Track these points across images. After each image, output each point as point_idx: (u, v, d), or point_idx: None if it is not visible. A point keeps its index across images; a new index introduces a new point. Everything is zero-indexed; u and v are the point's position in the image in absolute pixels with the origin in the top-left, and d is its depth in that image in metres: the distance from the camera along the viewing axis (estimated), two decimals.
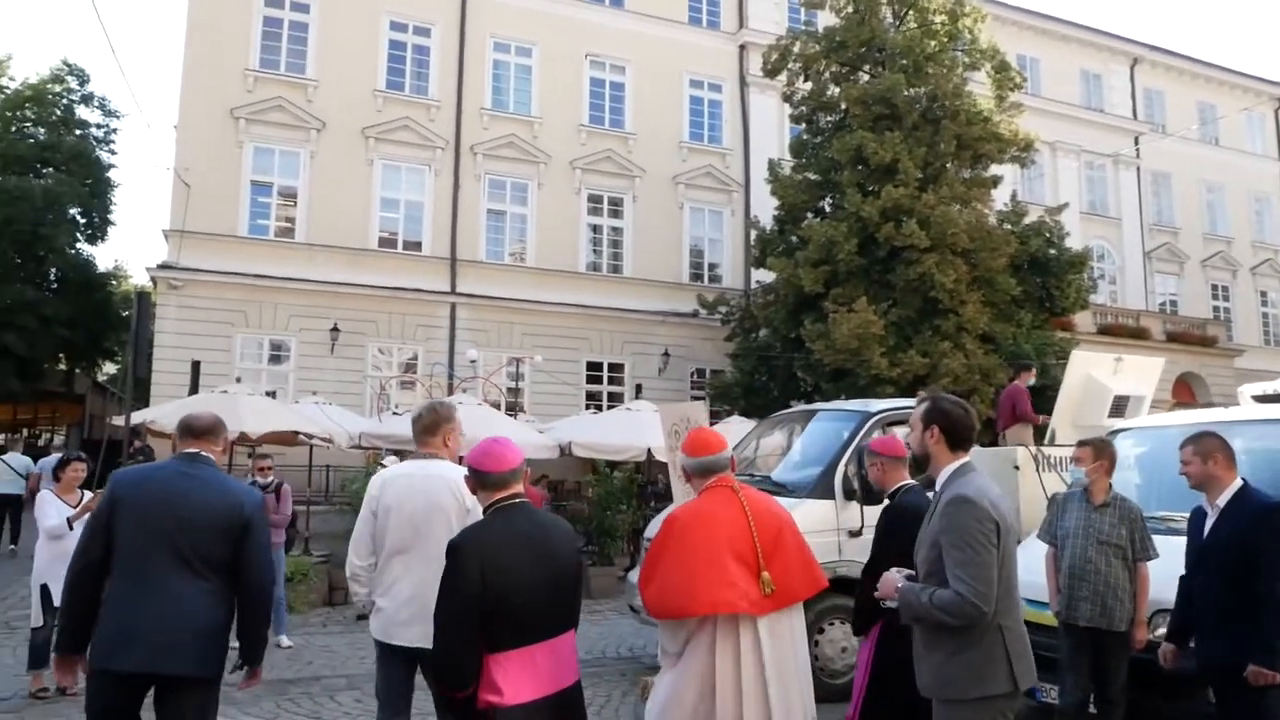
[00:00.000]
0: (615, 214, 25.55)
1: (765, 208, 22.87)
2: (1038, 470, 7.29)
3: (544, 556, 3.00)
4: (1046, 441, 8.40)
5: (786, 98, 22.20)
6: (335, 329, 21.70)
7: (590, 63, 25.59)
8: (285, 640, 8.40)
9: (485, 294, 23.48)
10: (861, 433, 7.07)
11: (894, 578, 3.29)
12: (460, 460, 3.81)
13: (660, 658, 3.52)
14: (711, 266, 26.53)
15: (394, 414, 17.81)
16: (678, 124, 26.35)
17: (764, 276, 22.22)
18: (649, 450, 11.59)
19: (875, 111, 19.11)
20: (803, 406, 10.04)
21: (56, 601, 6.48)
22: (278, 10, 22.90)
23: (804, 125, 22.07)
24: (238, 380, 16.09)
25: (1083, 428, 8.15)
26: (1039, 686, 5.36)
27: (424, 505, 3.83)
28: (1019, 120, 20.88)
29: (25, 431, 37.31)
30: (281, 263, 21.99)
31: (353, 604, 4.37)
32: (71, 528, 6.60)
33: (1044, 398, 13.14)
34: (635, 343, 24.65)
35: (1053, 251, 20.44)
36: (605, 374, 24.62)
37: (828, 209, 20.73)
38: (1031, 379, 9.93)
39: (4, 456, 17.41)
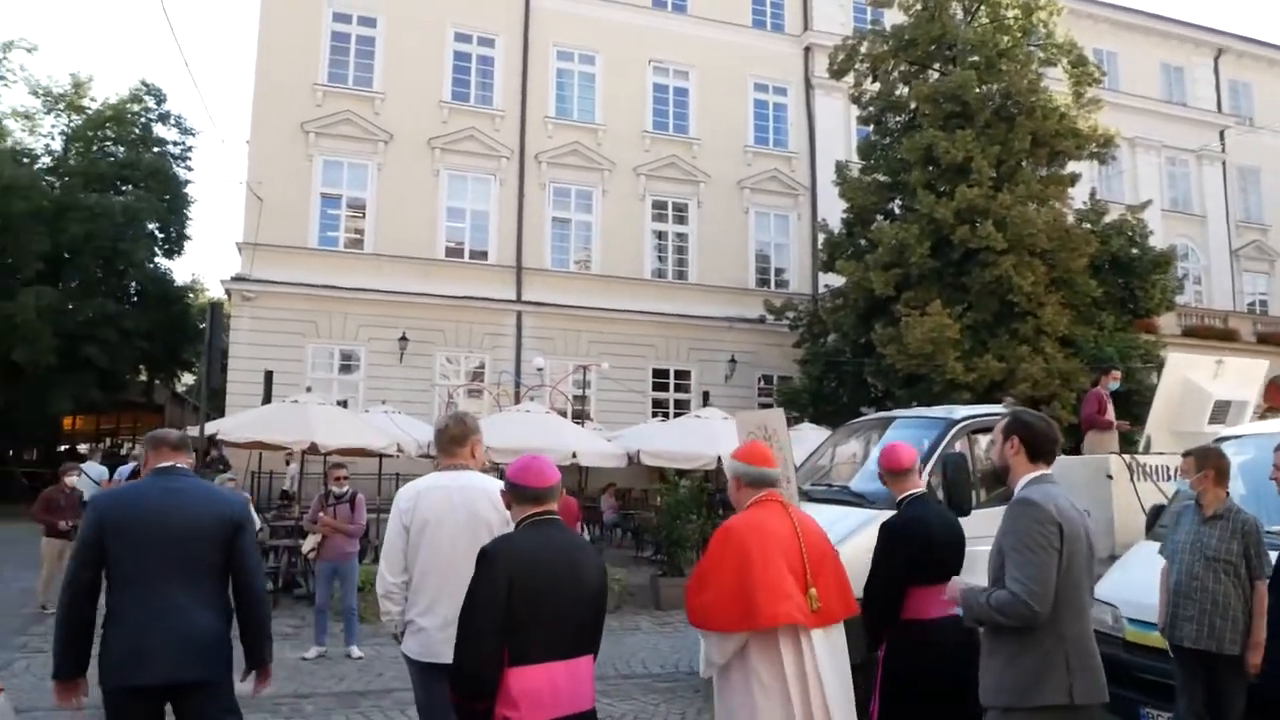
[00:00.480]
0: (680, 220, 25.38)
1: (833, 211, 22.47)
2: (1133, 480, 6.87)
3: (574, 575, 2.99)
4: (1142, 449, 7.94)
5: (854, 99, 21.79)
6: (404, 338, 21.90)
7: (653, 68, 25.50)
8: (356, 651, 8.33)
9: (551, 302, 23.50)
10: (945, 440, 6.75)
11: (958, 582, 3.34)
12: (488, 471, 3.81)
13: (703, 668, 3.50)
14: (778, 271, 26.18)
15: None
16: (742, 128, 26.09)
17: (832, 281, 21.82)
18: (719, 458, 11.35)
19: (946, 110, 18.62)
20: (880, 413, 9.70)
21: None
22: (345, 25, 23.27)
23: (872, 126, 21.64)
24: (308, 390, 16.28)
25: (1181, 434, 7.70)
26: (1147, 711, 5.05)
27: (466, 518, 3.73)
28: (1097, 116, 20.15)
29: (108, 441, 38.57)
30: (351, 273, 22.30)
31: (384, 624, 4.13)
32: None
33: (1130, 403, 12.58)
34: (701, 349, 24.41)
35: (1135, 251, 19.67)
36: (671, 381, 24.43)
37: (898, 211, 20.26)
38: (1115, 382, 9.43)
39: (83, 466, 18.05)
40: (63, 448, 31.65)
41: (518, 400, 19.79)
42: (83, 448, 32.31)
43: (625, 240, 24.48)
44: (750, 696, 3.26)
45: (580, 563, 3.04)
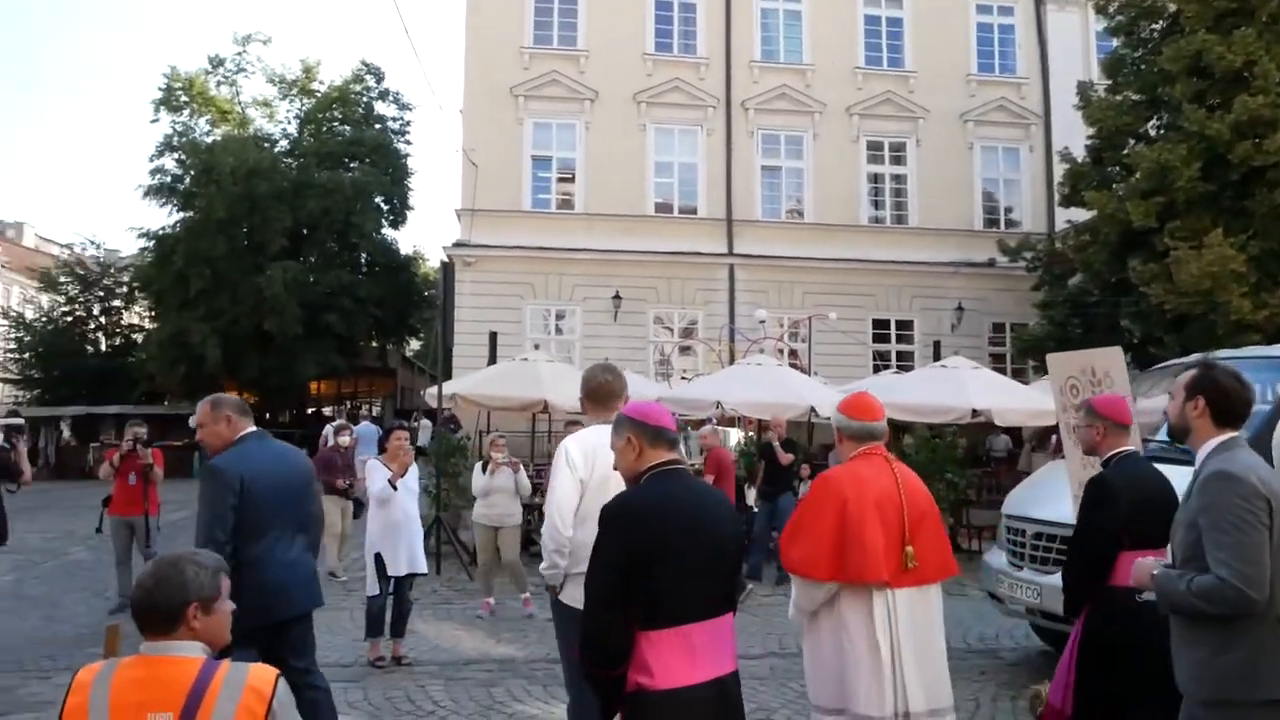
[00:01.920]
0: (897, 160, 23.84)
1: (1071, 138, 20.24)
2: None
3: (705, 528, 2.75)
4: None
5: (1099, 8, 19.43)
6: (617, 296, 21.86)
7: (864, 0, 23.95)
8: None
9: (763, 254, 22.74)
10: None
11: (1148, 564, 2.98)
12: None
13: (793, 614, 3.51)
14: (1007, 210, 24.14)
15: (683, 379, 17.65)
16: (964, 56, 24.07)
17: (1075, 215, 19.73)
18: (972, 411, 10.34)
19: (1218, 8, 16.15)
20: (1197, 356, 8.39)
21: (390, 570, 6.52)
22: None
23: (1120, 38, 19.23)
24: (535, 348, 16.46)
25: None
26: None
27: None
28: None
29: (348, 404, 41.51)
30: (563, 234, 22.46)
31: (546, 576, 3.91)
32: (395, 488, 6.66)
33: None
34: (925, 297, 22.94)
35: None
36: (893, 331, 23.14)
37: (1155, 132, 17.95)
38: None
39: (355, 426, 19.39)
40: (310, 410, 34.23)
41: (733, 356, 19.31)
42: (327, 410, 34.85)
43: (839, 185, 23.27)
44: (838, 647, 3.27)
45: (711, 514, 2.81)
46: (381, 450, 7.15)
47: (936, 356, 18.41)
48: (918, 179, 23.59)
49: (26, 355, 31.42)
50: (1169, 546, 3.01)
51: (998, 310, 22.85)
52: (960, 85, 23.79)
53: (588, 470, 3.68)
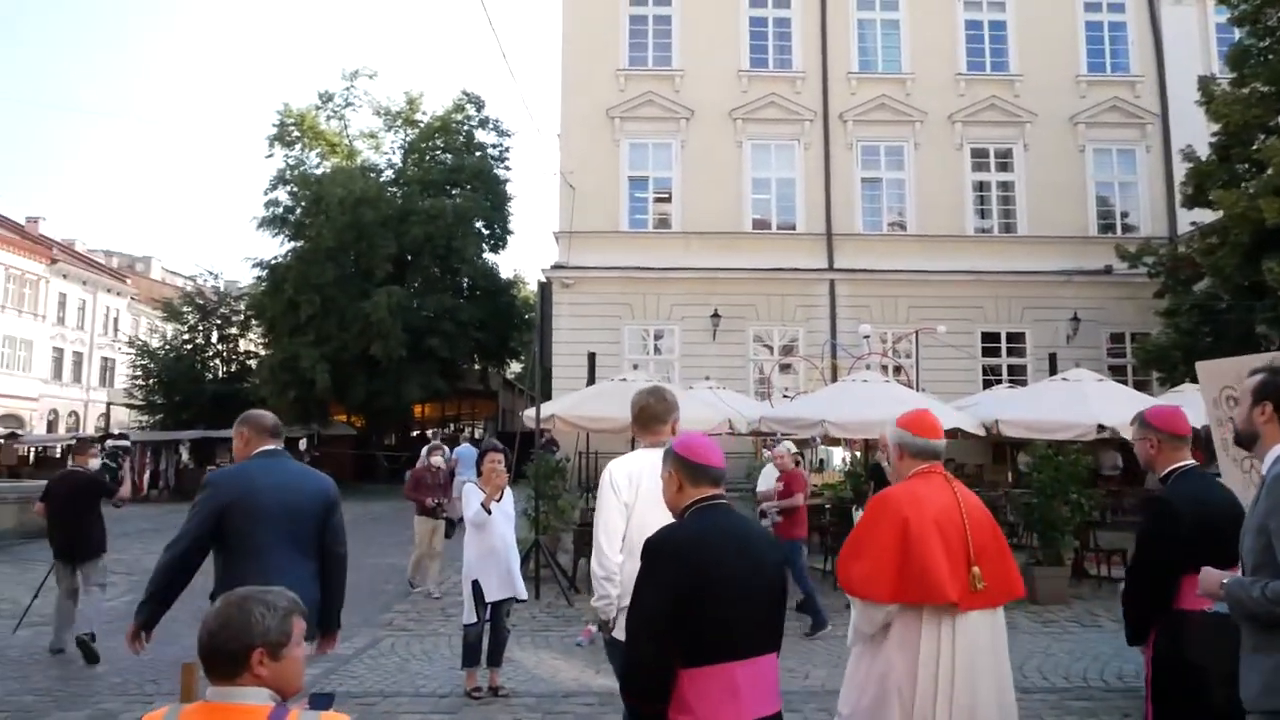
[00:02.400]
0: (1003, 167, 23.01)
1: (1192, 136, 19.19)
2: None
3: (751, 564, 2.68)
4: None
5: None
6: (715, 315, 21.65)
7: (964, 4, 23.29)
8: None
9: (865, 268, 22.22)
10: None
11: (1216, 574, 2.83)
12: None
13: (851, 639, 3.37)
14: (1124, 214, 23.03)
15: (785, 397, 17.29)
16: (1072, 56, 23.14)
17: (1199, 216, 18.64)
18: (1097, 426, 9.71)
19: None
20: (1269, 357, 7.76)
21: (487, 596, 6.36)
22: (642, 8, 23.37)
23: (1245, 28, 18.15)
24: (634, 368, 16.35)
25: None
26: None
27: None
28: None
29: (450, 426, 42.27)
30: (661, 253, 22.41)
31: (598, 609, 3.67)
32: (490, 513, 6.50)
33: None
34: (1037, 308, 22.00)
35: None
36: (1003, 345, 22.25)
37: None
38: None
39: (449, 447, 19.67)
40: (414, 433, 34.95)
41: (835, 373, 18.83)
42: (430, 432, 35.53)
43: (942, 195, 22.59)
44: (900, 668, 3.14)
45: (755, 551, 2.73)
46: (479, 472, 7.04)
47: (1053, 369, 17.56)
48: (1026, 185, 22.71)
49: (151, 382, 33.00)
50: (1240, 555, 2.85)
51: (1116, 320, 21.76)
52: (1069, 87, 22.85)
53: (632, 494, 3.58)
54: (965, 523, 3.24)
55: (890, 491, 3.38)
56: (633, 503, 3.56)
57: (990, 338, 22.24)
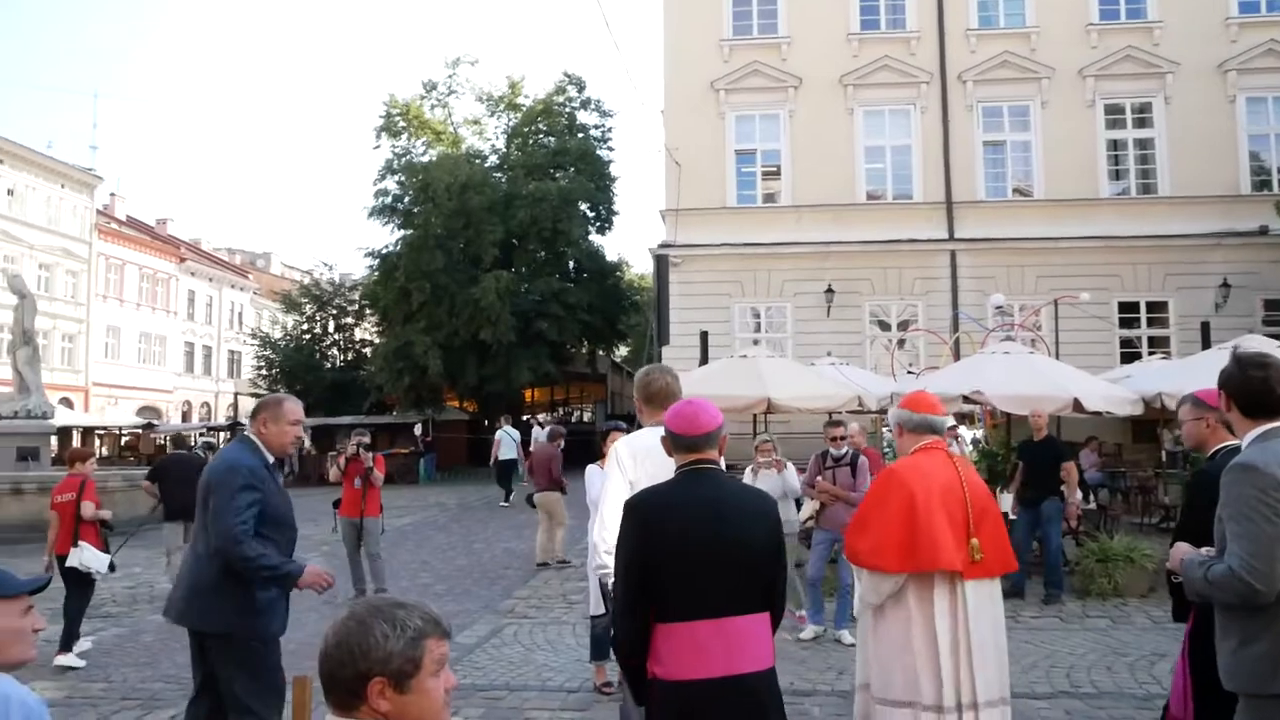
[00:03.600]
0: (1141, 123, 21.39)
1: None
2: None
3: (724, 527, 2.74)
4: None
5: None
6: (829, 290, 20.84)
7: None
8: (849, 636, 7.14)
9: (988, 236, 21.00)
10: None
11: (1181, 549, 3.02)
12: None
13: (858, 608, 3.52)
14: None
15: (909, 373, 16.41)
16: None
17: None
18: None
19: None
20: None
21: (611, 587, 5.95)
22: None
23: None
24: (754, 343, 15.81)
25: None
26: None
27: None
28: None
29: (560, 410, 42.45)
30: (771, 228, 21.71)
31: (599, 575, 3.75)
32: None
33: None
34: (1181, 274, 20.40)
35: None
36: (1143, 315, 20.75)
37: None
38: None
39: (505, 429, 20.03)
40: (525, 417, 35.15)
41: (958, 348, 17.83)
42: (542, 416, 35.68)
43: (1073, 156, 21.13)
44: (907, 640, 3.29)
45: (727, 516, 2.77)
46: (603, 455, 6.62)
47: (1205, 340, 16.21)
48: (1168, 142, 21.04)
49: (273, 372, 34.12)
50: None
51: (1273, 285, 20.00)
52: (1218, 32, 21.02)
53: (637, 472, 3.62)
54: (966, 496, 3.41)
55: (896, 467, 3.57)
56: (637, 480, 3.57)
57: (1128, 307, 20.75)
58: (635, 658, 2.77)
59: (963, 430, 17.21)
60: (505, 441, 19.96)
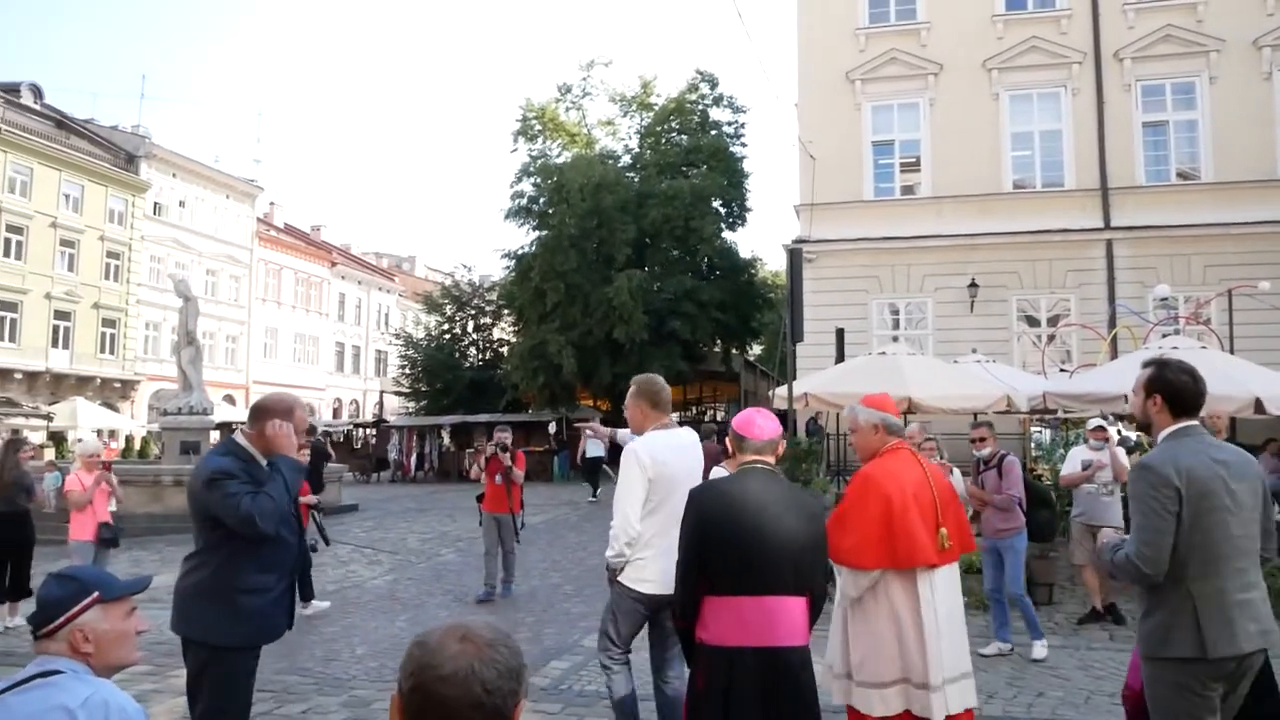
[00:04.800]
0: None
1: None
2: None
3: (768, 518, 3.15)
4: None
5: None
6: (973, 284, 19.91)
7: None
8: (1039, 649, 6.66)
9: (1149, 224, 19.60)
10: None
11: (1106, 534, 3.47)
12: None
13: (838, 600, 3.79)
14: None
15: (1062, 370, 15.48)
16: None
17: None
18: None
19: None
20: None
21: None
22: None
23: None
24: (894, 340, 15.23)
25: None
26: None
27: (685, 473, 4.24)
28: None
29: (693, 410, 42.28)
30: (910, 221, 20.93)
31: (612, 561, 4.32)
32: None
33: None
34: None
35: None
36: None
37: None
38: None
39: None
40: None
41: (1115, 344, 16.68)
42: (674, 416, 35.62)
43: (1246, 135, 19.47)
44: (893, 626, 3.58)
45: (772, 511, 3.18)
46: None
47: None
48: None
49: (415, 370, 35.36)
50: None
51: None
52: None
53: (655, 469, 4.15)
54: (933, 490, 3.73)
55: (871, 472, 3.76)
56: (656, 478, 4.15)
57: None
58: (686, 620, 3.27)
59: (1117, 431, 16.18)
60: (592, 439, 19.83)
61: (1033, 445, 15.04)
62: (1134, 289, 18.96)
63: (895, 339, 19.57)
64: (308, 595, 8.65)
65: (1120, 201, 20.02)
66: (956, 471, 7.20)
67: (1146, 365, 3.32)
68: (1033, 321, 20.38)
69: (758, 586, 3.10)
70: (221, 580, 3.58)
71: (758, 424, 3.39)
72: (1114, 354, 15.29)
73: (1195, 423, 3.19)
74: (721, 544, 3.12)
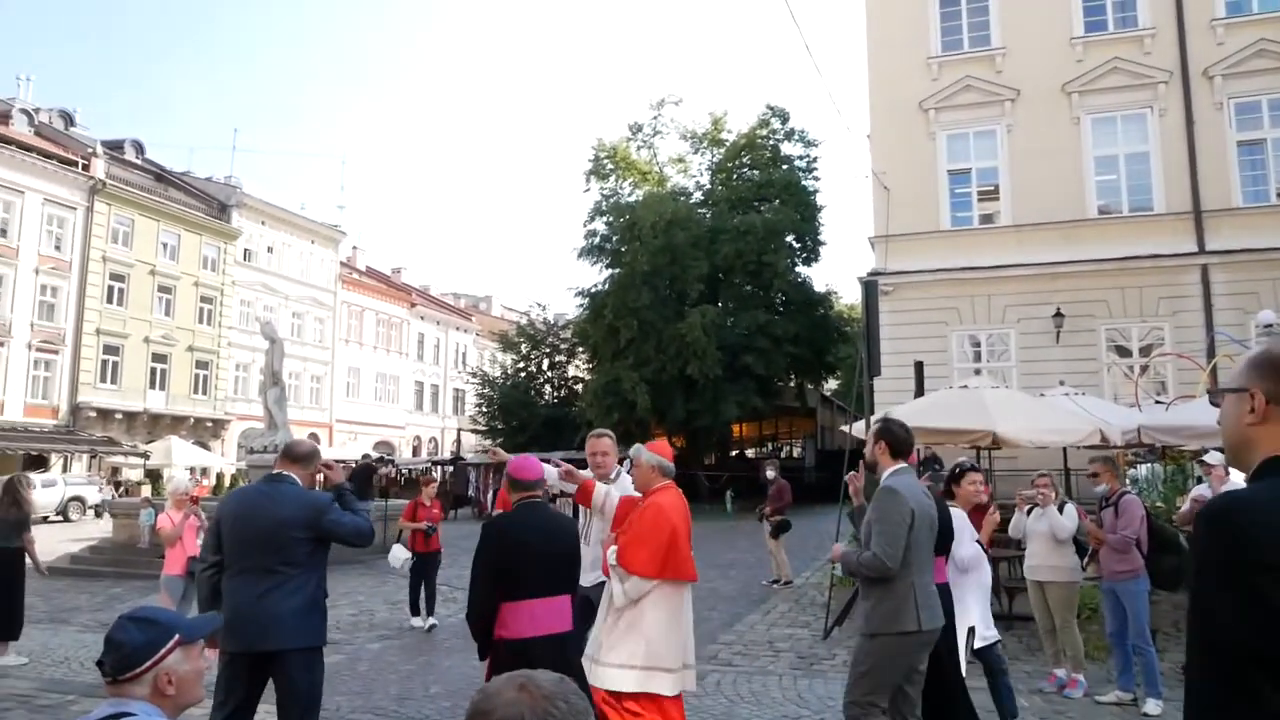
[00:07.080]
0: None
1: None
2: None
3: (546, 539, 4.12)
4: None
5: None
6: (1058, 314, 19.23)
7: None
8: (1153, 706, 6.23)
9: (1248, 247, 18.70)
10: None
11: (838, 548, 4.74)
12: None
13: (618, 600, 4.42)
14: None
15: (1157, 403, 14.80)
16: None
17: None
18: None
19: None
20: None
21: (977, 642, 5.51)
22: None
23: None
24: (976, 373, 14.79)
25: None
26: None
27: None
28: None
29: (769, 445, 41.75)
30: (989, 251, 20.36)
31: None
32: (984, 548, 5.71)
33: None
34: None
35: None
36: None
37: None
38: None
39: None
40: (733, 452, 34.80)
41: (1214, 374, 15.87)
42: (749, 452, 35.19)
43: None
44: (673, 619, 4.45)
45: (551, 531, 4.18)
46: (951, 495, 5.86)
47: None
48: None
49: (492, 408, 35.71)
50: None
51: None
52: None
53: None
54: (688, 524, 4.59)
55: (662, 503, 4.51)
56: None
57: None
58: (485, 621, 4.00)
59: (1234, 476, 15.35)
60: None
61: (1128, 481, 14.39)
62: (1234, 315, 18.07)
63: (977, 371, 19.01)
64: (431, 609, 9.95)
65: (1215, 224, 19.18)
66: (1070, 507, 6.82)
67: (875, 421, 4.48)
68: (1123, 352, 19.57)
69: (546, 590, 4.01)
70: (321, 590, 4.35)
71: (526, 468, 4.29)
72: (1214, 384, 14.55)
73: (907, 465, 4.39)
74: (520, 562, 3.98)
